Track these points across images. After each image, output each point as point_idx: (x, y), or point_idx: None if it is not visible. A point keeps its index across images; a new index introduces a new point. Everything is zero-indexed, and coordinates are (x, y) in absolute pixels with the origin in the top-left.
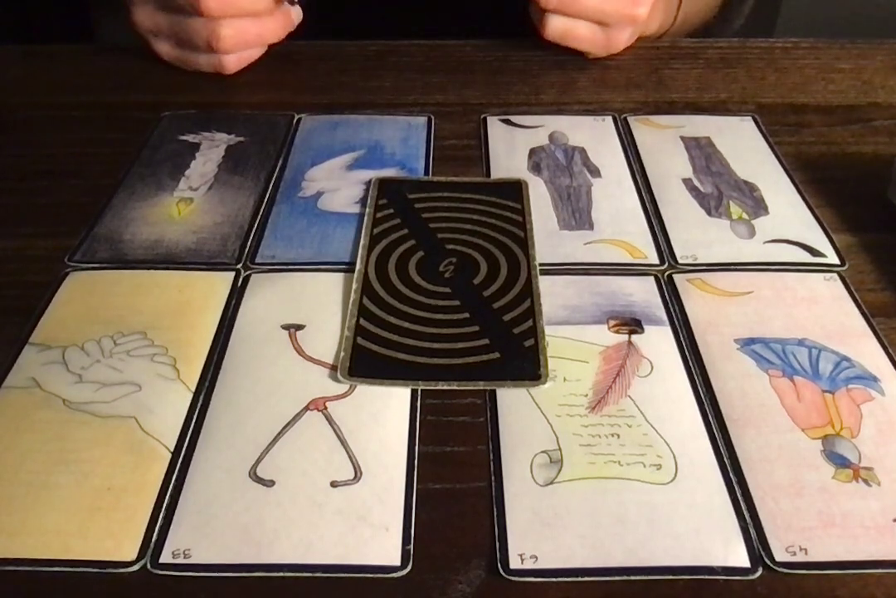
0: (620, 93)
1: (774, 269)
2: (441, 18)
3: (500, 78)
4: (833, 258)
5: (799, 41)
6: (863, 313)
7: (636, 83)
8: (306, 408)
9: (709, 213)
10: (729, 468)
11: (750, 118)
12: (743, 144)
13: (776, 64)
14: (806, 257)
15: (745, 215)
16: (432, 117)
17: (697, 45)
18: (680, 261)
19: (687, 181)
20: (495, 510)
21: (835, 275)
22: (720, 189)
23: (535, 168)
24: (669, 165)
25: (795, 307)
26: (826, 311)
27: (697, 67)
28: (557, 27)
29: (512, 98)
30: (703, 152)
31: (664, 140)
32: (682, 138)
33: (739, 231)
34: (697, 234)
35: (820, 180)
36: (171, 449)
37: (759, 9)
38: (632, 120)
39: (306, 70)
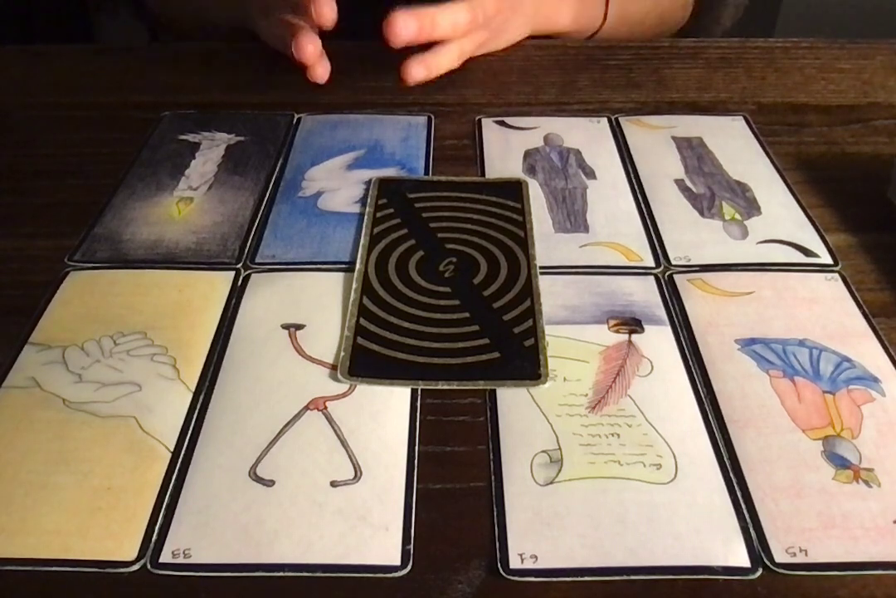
0: (620, 93)
1: (775, 269)
2: None
3: (500, 78)
4: (826, 258)
5: (799, 41)
6: (863, 313)
7: (636, 83)
8: (306, 408)
9: (701, 214)
10: (729, 469)
11: (741, 118)
12: (735, 144)
13: (776, 64)
14: (799, 258)
15: (737, 216)
16: (432, 117)
17: (697, 45)
18: (673, 262)
19: (679, 182)
20: (495, 509)
21: (836, 275)
22: (713, 190)
23: (530, 170)
24: (662, 166)
25: (796, 307)
26: (827, 311)
27: (697, 67)
28: (421, 73)
29: (512, 98)
30: (694, 153)
31: (656, 141)
32: (674, 139)
33: (732, 232)
34: (690, 235)
35: (820, 180)
36: (171, 449)
37: (759, 9)
38: (623, 121)
39: None
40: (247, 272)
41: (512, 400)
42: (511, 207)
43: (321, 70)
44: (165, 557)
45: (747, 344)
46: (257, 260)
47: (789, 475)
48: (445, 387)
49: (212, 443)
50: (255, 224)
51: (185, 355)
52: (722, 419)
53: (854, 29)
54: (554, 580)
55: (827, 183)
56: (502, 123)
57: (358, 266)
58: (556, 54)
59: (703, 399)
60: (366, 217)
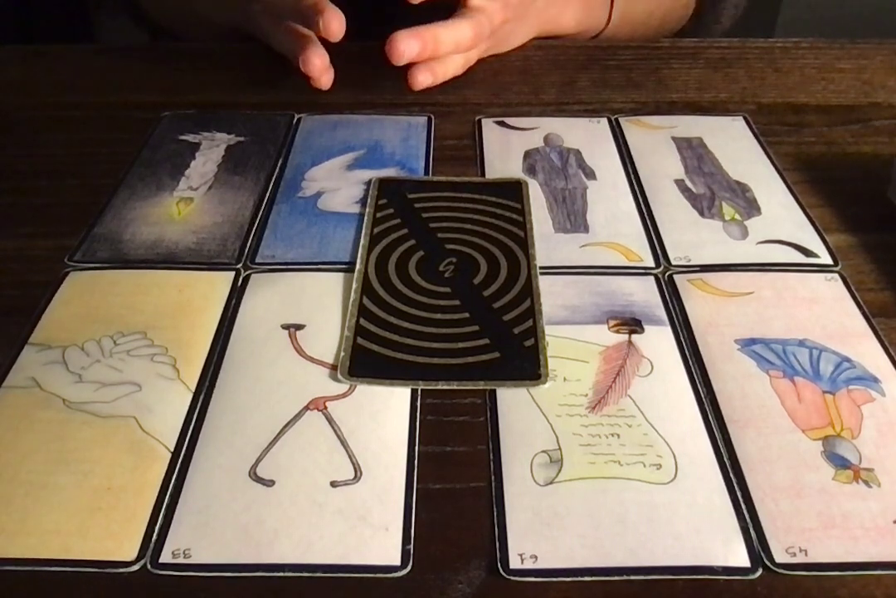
0: (620, 93)
1: (775, 269)
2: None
3: (500, 78)
4: (826, 258)
5: (799, 41)
6: (863, 314)
7: (636, 83)
8: (306, 408)
9: (701, 214)
10: (729, 469)
11: (741, 118)
12: (735, 145)
13: (776, 64)
14: (799, 258)
15: (737, 216)
16: (432, 117)
17: (697, 45)
18: (673, 262)
19: (679, 182)
20: (495, 509)
21: (836, 275)
22: (712, 190)
23: (530, 170)
24: (662, 166)
25: (796, 308)
26: (827, 311)
27: (697, 67)
28: (427, 79)
29: (512, 98)
30: (694, 153)
31: (656, 141)
32: (674, 139)
33: (732, 232)
34: (690, 235)
35: (819, 180)
36: (171, 449)
37: (759, 9)
38: (623, 121)
39: None
40: (247, 272)
41: (512, 400)
42: (511, 208)
43: (325, 80)
44: (165, 557)
45: (747, 344)
46: (257, 260)
47: (789, 475)
48: (445, 387)
49: (212, 443)
50: (255, 224)
51: (185, 355)
52: (722, 419)
53: (854, 29)
54: (554, 580)
55: (827, 183)
56: (502, 123)
57: (358, 266)
58: (556, 54)
59: (703, 399)
60: (366, 217)
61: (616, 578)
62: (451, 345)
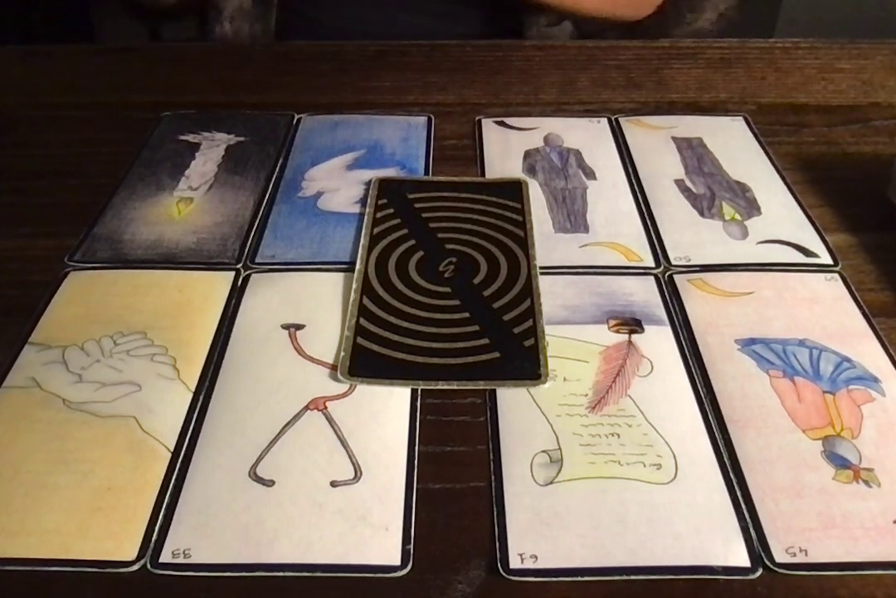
0: (620, 93)
1: (775, 269)
2: (440, 18)
3: (500, 78)
4: (826, 258)
5: (799, 41)
6: (863, 313)
7: (636, 83)
8: (306, 408)
9: (701, 214)
10: (729, 468)
11: (741, 118)
12: (734, 144)
13: (776, 64)
14: (799, 258)
15: (737, 216)
16: (432, 117)
17: (697, 45)
18: (673, 262)
19: (679, 182)
20: (495, 509)
21: (836, 275)
22: (713, 190)
23: (530, 170)
24: (662, 166)
25: (796, 308)
26: (827, 311)
27: (697, 67)
28: None
29: (512, 98)
30: (694, 153)
31: (656, 141)
32: (674, 139)
33: (732, 232)
34: (690, 235)
35: (820, 180)
36: (171, 449)
37: (759, 9)
38: (623, 121)
39: (306, 70)
40: (247, 272)
41: (512, 400)
42: (511, 208)
43: None
44: (165, 557)
45: (747, 344)
46: (257, 260)
47: (789, 475)
48: (445, 387)
49: (212, 443)
50: (255, 224)
51: (185, 355)
52: (722, 419)
53: (854, 29)
54: (554, 580)
55: (827, 183)
56: (502, 123)
57: (358, 266)
58: (556, 54)
59: (703, 399)
60: (366, 217)
61: (616, 578)
62: (451, 345)
